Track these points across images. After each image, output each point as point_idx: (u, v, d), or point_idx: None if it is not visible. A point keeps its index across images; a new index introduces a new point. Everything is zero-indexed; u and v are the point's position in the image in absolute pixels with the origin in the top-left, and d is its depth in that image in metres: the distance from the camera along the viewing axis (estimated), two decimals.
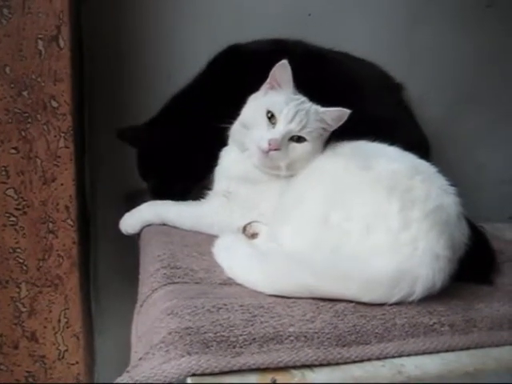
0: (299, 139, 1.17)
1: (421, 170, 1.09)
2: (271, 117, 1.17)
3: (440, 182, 1.10)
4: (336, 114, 1.17)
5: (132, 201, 1.51)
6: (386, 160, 1.10)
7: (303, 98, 1.20)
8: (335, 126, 1.18)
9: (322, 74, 1.32)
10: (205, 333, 0.83)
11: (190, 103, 1.38)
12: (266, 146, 1.13)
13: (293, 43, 1.40)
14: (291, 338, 0.84)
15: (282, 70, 1.18)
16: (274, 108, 1.17)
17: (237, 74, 1.33)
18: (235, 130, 1.25)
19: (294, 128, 1.15)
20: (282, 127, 1.15)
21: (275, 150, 1.13)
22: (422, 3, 1.81)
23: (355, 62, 1.41)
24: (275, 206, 1.18)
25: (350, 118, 1.17)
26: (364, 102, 1.31)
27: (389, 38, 1.61)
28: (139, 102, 1.67)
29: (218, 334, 0.83)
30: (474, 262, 1.09)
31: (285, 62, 1.16)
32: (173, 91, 1.66)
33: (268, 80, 1.21)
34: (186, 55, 1.67)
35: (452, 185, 1.10)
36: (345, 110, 1.16)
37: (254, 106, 1.22)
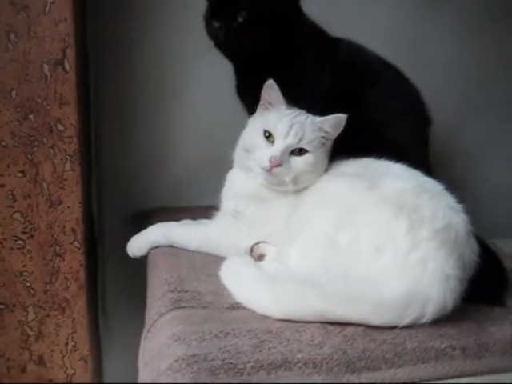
0: (300, 152, 1.17)
1: (428, 188, 1.08)
2: (269, 136, 1.18)
3: (448, 199, 1.08)
4: (333, 122, 1.18)
5: (139, 222, 1.51)
6: (393, 178, 1.09)
7: (297, 112, 1.21)
8: (335, 133, 1.19)
9: (363, 82, 1.34)
10: (212, 360, 0.83)
11: None
12: (267, 164, 1.15)
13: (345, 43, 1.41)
14: (299, 364, 0.83)
15: (270, 90, 1.20)
16: (269, 126, 1.18)
17: None
18: (238, 155, 1.26)
19: (292, 141, 1.16)
20: (279, 143, 1.16)
21: (277, 166, 1.15)
22: (429, 13, 1.82)
23: (401, 79, 1.41)
24: (283, 226, 1.18)
25: (370, 131, 1.20)
26: (393, 124, 1.33)
27: (392, 50, 1.61)
28: (146, 122, 1.68)
29: (226, 361, 0.83)
30: (486, 282, 1.07)
31: (270, 81, 1.19)
32: (179, 109, 1.68)
33: (260, 102, 1.24)
34: (192, 75, 1.68)
35: (460, 202, 1.09)
36: (341, 115, 1.17)
37: (251, 129, 1.24)
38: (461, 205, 1.09)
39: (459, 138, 1.91)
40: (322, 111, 1.22)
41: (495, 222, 1.84)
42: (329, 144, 1.21)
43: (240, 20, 1.28)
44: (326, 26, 1.39)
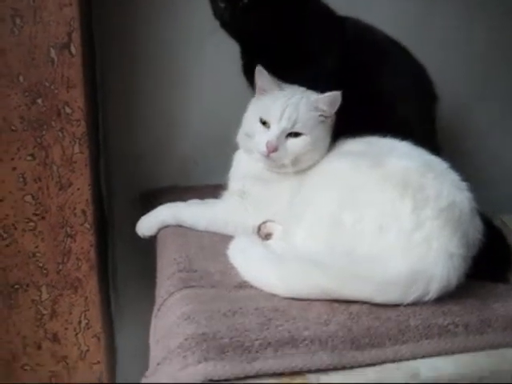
0: (297, 134, 1.18)
1: (432, 167, 1.09)
2: (265, 122, 1.19)
3: (452, 178, 1.09)
4: (328, 99, 1.18)
5: (147, 202, 1.52)
6: (397, 157, 1.10)
7: (292, 92, 1.21)
8: (332, 110, 1.19)
9: (370, 60, 1.35)
10: (221, 338, 0.85)
11: None
12: (264, 149, 1.16)
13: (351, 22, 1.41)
14: (306, 342, 0.85)
15: (260, 76, 1.21)
16: (263, 113, 1.20)
17: None
18: (240, 138, 1.28)
19: (286, 125, 1.17)
20: (274, 128, 1.17)
21: (274, 151, 1.16)
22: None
23: (407, 57, 1.40)
24: (288, 205, 1.19)
25: (378, 110, 1.21)
26: (399, 101, 1.33)
27: (399, 33, 1.60)
28: (153, 104, 1.68)
29: (234, 340, 0.85)
30: (490, 260, 1.09)
31: (259, 67, 1.20)
32: (185, 90, 1.68)
33: (256, 88, 1.25)
34: (197, 55, 1.68)
35: (464, 180, 1.10)
36: (336, 93, 1.17)
37: (249, 115, 1.26)
38: (465, 183, 1.10)
39: (469, 114, 1.89)
40: (329, 90, 1.23)
41: (503, 197, 1.85)
42: (329, 121, 1.22)
43: (245, 0, 1.28)
44: (331, 2, 1.38)
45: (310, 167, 1.20)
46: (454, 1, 1.81)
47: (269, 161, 1.18)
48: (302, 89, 1.24)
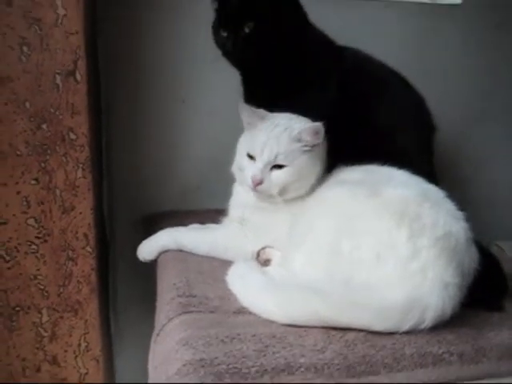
0: (280, 166, 1.20)
1: (429, 196, 1.11)
2: (251, 156, 1.22)
3: (448, 207, 1.11)
4: (310, 130, 1.19)
5: (149, 226, 1.54)
6: (394, 186, 1.11)
7: (276, 123, 1.23)
8: (316, 140, 1.20)
9: (370, 90, 1.37)
10: (218, 364, 0.86)
11: None
12: (250, 183, 1.20)
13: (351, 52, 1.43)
14: (302, 369, 0.86)
15: (242, 111, 1.26)
16: (249, 147, 1.23)
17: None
18: (234, 170, 1.31)
19: (268, 158, 1.19)
20: (257, 162, 1.20)
21: (259, 184, 1.19)
22: (433, 21, 1.84)
23: (406, 88, 1.43)
24: (287, 232, 1.21)
25: (376, 139, 1.24)
26: (397, 131, 1.35)
27: (401, 54, 1.63)
28: (155, 128, 1.72)
29: (231, 366, 0.86)
30: (485, 288, 1.10)
31: (240, 104, 1.26)
32: (187, 115, 1.71)
33: (243, 123, 1.28)
34: (199, 81, 1.72)
35: (462, 207, 1.12)
36: (317, 124, 1.19)
37: (239, 150, 1.28)
38: (462, 212, 1.11)
39: (467, 141, 1.93)
40: (328, 119, 1.25)
41: (501, 223, 1.86)
42: (316, 150, 1.22)
43: (247, 30, 1.31)
44: (331, 32, 1.42)
45: (302, 195, 1.22)
46: (450, 33, 1.85)
47: (257, 193, 1.21)
48: (289, 118, 1.25)
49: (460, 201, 1.13)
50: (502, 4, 1.87)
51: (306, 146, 1.20)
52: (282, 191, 1.20)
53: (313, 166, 1.22)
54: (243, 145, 1.27)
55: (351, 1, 1.79)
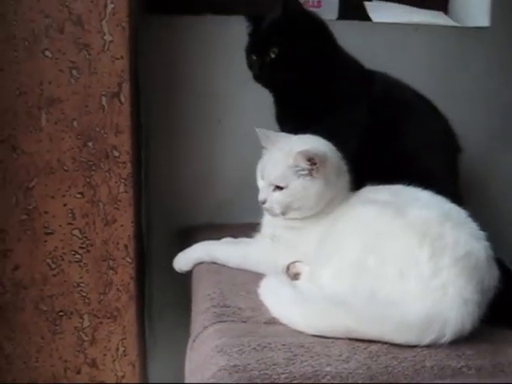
0: (281, 187, 1.26)
1: (451, 217, 1.15)
2: (262, 176, 1.31)
3: (470, 227, 1.15)
4: (301, 156, 1.22)
5: (184, 238, 1.62)
6: (419, 207, 1.16)
7: (280, 148, 1.28)
8: (309, 166, 1.23)
9: (397, 114, 1.42)
10: (251, 370, 0.91)
11: None
12: (259, 200, 1.28)
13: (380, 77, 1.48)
14: (328, 377, 0.90)
15: (260, 135, 1.33)
16: (260, 168, 1.32)
17: None
18: None
19: (268, 180, 1.28)
20: (263, 183, 1.30)
21: (264, 202, 1.27)
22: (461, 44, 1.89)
23: (433, 111, 1.47)
24: (316, 249, 1.26)
25: (403, 161, 1.29)
26: (423, 154, 1.40)
27: (428, 77, 1.67)
28: (191, 145, 1.80)
29: (262, 372, 0.91)
30: (506, 306, 1.12)
31: (256, 129, 1.32)
32: (223, 134, 1.79)
33: None
34: (234, 102, 1.80)
35: (482, 230, 1.15)
36: (310, 150, 1.22)
37: (257, 171, 1.35)
38: (483, 232, 1.15)
39: (494, 163, 1.95)
40: (357, 142, 1.31)
41: None
42: (317, 174, 1.24)
43: (272, 55, 1.37)
44: (360, 56, 1.47)
45: (306, 216, 1.28)
46: (477, 55, 1.89)
47: (265, 211, 1.30)
48: (297, 141, 1.29)
49: (486, 220, 1.17)
50: None
51: (302, 170, 1.24)
52: (285, 210, 1.27)
53: (313, 189, 1.25)
54: (258, 166, 1.34)
55: (380, 24, 1.85)
